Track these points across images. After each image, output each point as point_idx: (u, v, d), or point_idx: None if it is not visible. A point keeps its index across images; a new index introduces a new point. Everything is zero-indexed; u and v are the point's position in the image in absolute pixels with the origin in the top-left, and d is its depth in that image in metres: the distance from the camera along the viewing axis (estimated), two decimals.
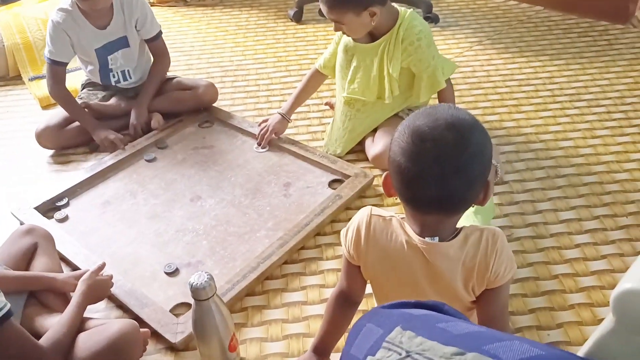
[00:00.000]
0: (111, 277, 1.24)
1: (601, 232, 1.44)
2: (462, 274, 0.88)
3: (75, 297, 1.15)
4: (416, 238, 0.87)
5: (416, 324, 0.59)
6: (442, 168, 0.79)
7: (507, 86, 2.08)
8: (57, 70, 1.81)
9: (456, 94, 2.02)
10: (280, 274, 1.37)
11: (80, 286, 1.17)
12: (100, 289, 1.21)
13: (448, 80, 1.66)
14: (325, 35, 2.51)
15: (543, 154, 1.72)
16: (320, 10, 2.63)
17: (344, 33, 1.60)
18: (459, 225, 0.90)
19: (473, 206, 0.88)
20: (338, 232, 1.46)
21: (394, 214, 0.94)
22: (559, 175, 1.64)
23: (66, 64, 1.82)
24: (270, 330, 1.24)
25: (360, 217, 0.96)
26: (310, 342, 1.12)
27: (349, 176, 1.61)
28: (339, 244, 1.43)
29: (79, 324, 1.12)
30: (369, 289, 1.06)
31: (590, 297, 1.28)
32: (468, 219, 1.13)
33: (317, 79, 1.82)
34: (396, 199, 0.95)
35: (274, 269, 1.37)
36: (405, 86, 1.66)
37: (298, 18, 2.67)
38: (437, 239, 0.86)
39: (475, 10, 2.68)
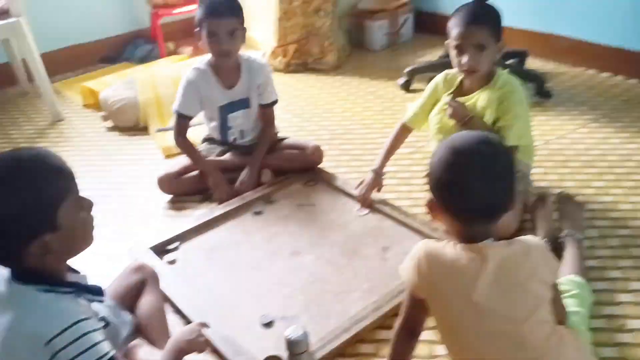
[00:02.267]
0: (206, 342, 1.25)
1: None
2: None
3: (169, 350, 1.18)
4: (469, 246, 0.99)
5: None
6: (485, 175, 0.95)
7: (625, 167, 1.97)
8: (183, 122, 1.97)
9: (567, 170, 1.96)
10: (373, 338, 1.36)
11: (176, 343, 1.18)
12: (195, 347, 1.21)
13: (515, 149, 1.60)
14: None
15: None
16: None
17: (470, 68, 1.58)
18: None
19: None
20: None
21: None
22: None
23: (191, 118, 1.98)
24: None
25: (415, 248, 1.06)
26: None
27: None
28: None
29: None
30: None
31: None
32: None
33: (404, 134, 1.88)
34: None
35: (367, 332, 1.36)
36: None
37: (407, 87, 2.73)
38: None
39: (592, 88, 2.60)
